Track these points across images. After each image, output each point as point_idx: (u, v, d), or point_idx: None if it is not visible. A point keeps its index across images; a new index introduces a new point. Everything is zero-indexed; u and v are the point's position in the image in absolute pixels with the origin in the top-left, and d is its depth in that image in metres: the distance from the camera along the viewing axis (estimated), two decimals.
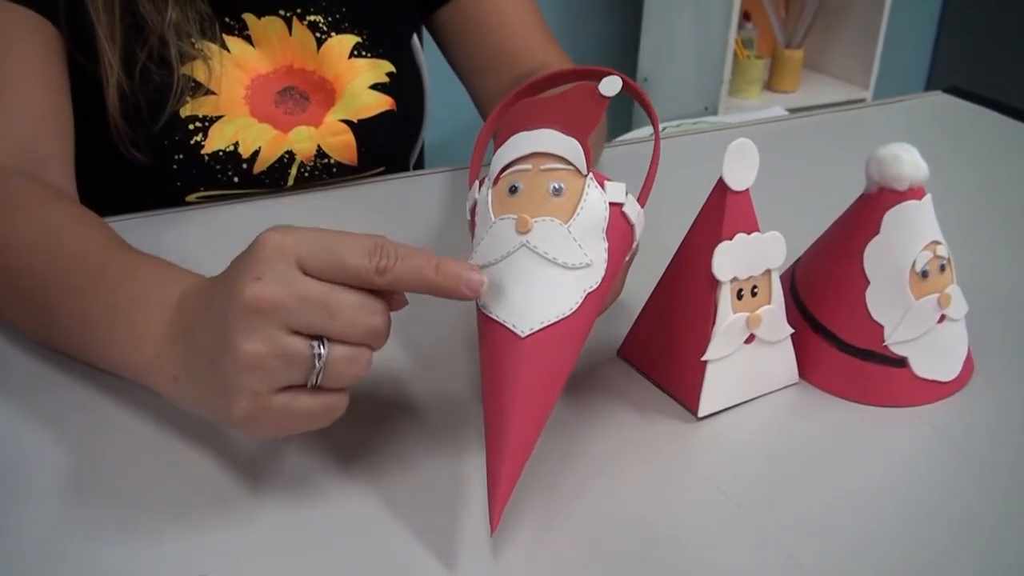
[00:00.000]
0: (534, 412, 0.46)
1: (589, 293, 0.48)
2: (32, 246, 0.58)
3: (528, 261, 0.47)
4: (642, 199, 0.52)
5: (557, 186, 0.48)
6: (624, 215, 0.50)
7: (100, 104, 0.76)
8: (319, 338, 0.43)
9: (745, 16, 2.37)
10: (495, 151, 0.52)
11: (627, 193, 0.50)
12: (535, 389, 0.46)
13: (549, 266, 0.47)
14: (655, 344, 0.58)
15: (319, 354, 0.43)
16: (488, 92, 0.91)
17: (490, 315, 0.47)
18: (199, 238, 0.75)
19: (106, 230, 0.59)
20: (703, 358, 0.54)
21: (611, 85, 0.51)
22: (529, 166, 0.50)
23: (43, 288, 0.56)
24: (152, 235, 0.75)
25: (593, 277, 0.48)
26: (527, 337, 0.46)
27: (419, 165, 1.04)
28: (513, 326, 0.46)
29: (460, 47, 0.93)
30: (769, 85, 2.44)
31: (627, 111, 2.51)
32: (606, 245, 0.49)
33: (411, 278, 0.44)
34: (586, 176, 0.49)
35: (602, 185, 0.49)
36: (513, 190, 0.49)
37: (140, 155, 0.78)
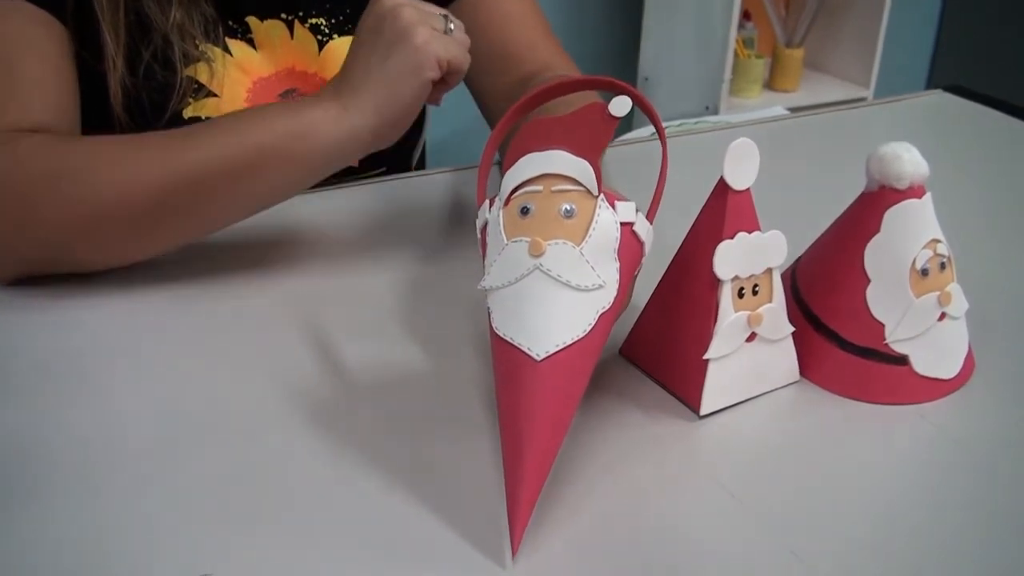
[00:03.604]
0: (551, 433, 0.46)
1: (602, 313, 0.48)
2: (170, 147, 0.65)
3: (542, 284, 0.48)
4: (650, 216, 0.53)
5: (568, 208, 0.49)
6: (634, 234, 0.51)
7: (104, 101, 0.76)
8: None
9: (745, 15, 2.37)
10: (503, 168, 0.52)
11: (637, 211, 0.51)
12: (551, 411, 0.46)
13: (563, 289, 0.48)
14: (657, 343, 0.58)
15: (448, 18, 0.66)
16: (491, 93, 0.91)
17: (505, 338, 0.48)
18: (204, 239, 0.75)
19: None
20: (705, 356, 0.54)
21: (621, 106, 0.50)
22: (540, 187, 0.50)
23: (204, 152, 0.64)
24: None
25: (606, 298, 0.48)
26: (543, 360, 0.46)
27: (421, 165, 1.04)
28: (529, 349, 0.47)
29: None
30: (770, 84, 2.44)
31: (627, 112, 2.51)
32: (618, 265, 0.49)
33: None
34: (597, 197, 0.49)
35: (613, 205, 0.49)
36: (524, 211, 0.49)
37: None
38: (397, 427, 0.54)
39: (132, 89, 0.76)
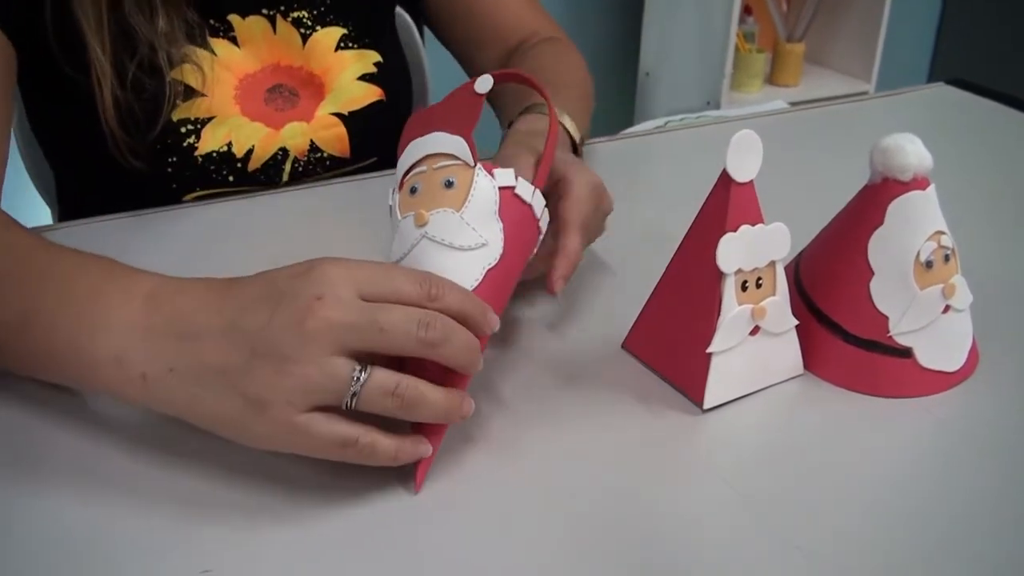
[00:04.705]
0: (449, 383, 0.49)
1: (489, 269, 0.52)
2: None
3: (429, 250, 0.52)
4: (539, 181, 0.56)
5: (449, 180, 0.53)
6: (517, 196, 0.54)
7: (91, 115, 0.75)
8: (364, 365, 0.45)
9: (746, 10, 2.37)
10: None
11: (517, 178, 0.54)
12: None
13: (447, 251, 0.52)
14: (660, 336, 0.58)
15: (357, 378, 0.45)
16: (482, 68, 0.92)
17: None
18: (198, 236, 0.75)
19: (42, 237, 0.56)
20: (708, 350, 0.54)
21: (483, 83, 0.55)
22: (425, 167, 0.54)
23: None
24: (150, 233, 0.75)
25: (491, 254, 0.52)
26: None
27: None
28: None
29: (451, 25, 0.95)
30: (771, 79, 2.44)
31: (628, 107, 2.51)
32: (501, 225, 0.53)
33: (457, 304, 0.48)
34: (474, 167, 0.53)
35: (491, 173, 0.53)
36: (413, 191, 0.54)
37: (137, 162, 0.78)
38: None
39: (124, 102, 0.75)
